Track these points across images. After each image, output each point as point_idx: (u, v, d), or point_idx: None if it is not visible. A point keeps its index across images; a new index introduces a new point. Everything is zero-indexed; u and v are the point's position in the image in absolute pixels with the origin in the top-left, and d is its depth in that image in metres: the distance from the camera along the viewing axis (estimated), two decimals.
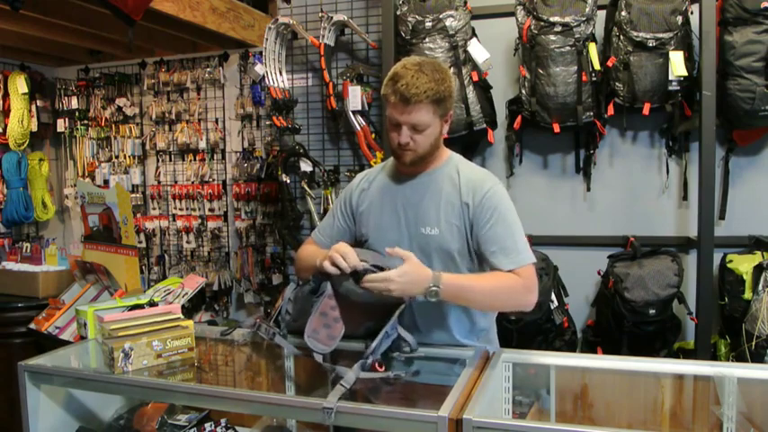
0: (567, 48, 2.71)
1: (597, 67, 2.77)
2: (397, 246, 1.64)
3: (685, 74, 2.65)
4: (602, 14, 2.84)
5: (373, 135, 3.22)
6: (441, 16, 2.82)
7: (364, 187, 1.87)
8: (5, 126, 3.79)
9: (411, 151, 1.68)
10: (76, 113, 3.99)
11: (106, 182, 3.90)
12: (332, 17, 3.18)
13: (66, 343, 2.47)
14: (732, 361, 2.60)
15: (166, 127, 3.78)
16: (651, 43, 2.66)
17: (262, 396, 1.54)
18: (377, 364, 1.59)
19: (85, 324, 2.02)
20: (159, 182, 3.83)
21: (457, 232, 1.70)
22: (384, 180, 1.83)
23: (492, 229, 1.67)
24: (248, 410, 1.54)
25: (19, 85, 3.77)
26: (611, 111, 2.84)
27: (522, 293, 1.66)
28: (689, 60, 2.71)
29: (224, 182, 3.69)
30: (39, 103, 3.93)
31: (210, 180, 3.70)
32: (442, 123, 1.70)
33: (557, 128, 2.81)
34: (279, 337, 1.72)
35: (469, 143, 3.08)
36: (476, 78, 2.88)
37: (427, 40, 2.84)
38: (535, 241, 2.82)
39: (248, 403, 1.50)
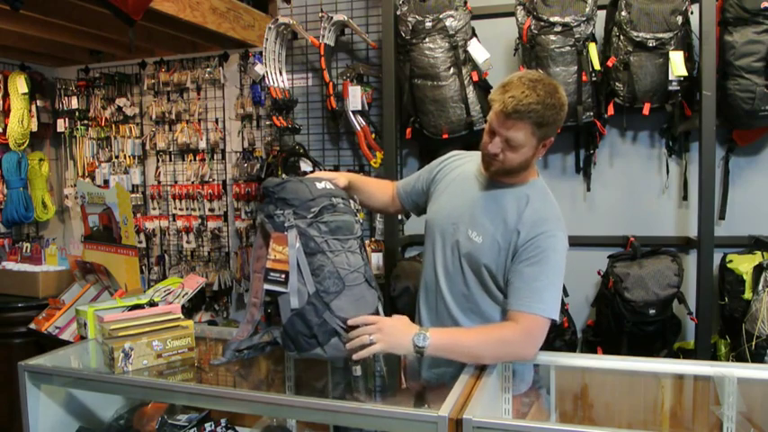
0: (567, 48, 2.70)
1: (597, 67, 2.77)
2: (437, 237, 1.77)
3: (685, 74, 2.65)
4: (602, 14, 2.83)
5: (373, 135, 3.21)
6: (441, 16, 2.82)
7: (451, 167, 1.89)
8: (5, 126, 3.79)
9: (498, 162, 1.66)
10: (76, 113, 3.99)
11: (106, 182, 3.90)
12: (332, 17, 3.18)
13: (66, 343, 2.47)
14: (732, 361, 2.60)
15: (166, 127, 3.78)
16: (651, 43, 2.66)
17: (262, 396, 1.54)
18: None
19: (85, 324, 2.02)
20: (159, 182, 3.83)
21: (497, 250, 1.66)
22: (469, 171, 1.83)
23: (528, 267, 1.61)
24: (248, 410, 1.55)
25: (19, 85, 3.77)
26: (611, 111, 2.83)
27: (518, 346, 1.57)
28: (689, 60, 2.70)
29: (224, 182, 3.69)
30: (39, 103, 3.93)
31: (210, 180, 3.70)
32: (539, 147, 1.65)
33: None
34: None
35: (470, 143, 3.07)
36: (476, 78, 2.87)
37: (427, 40, 2.83)
38: None
39: (248, 403, 1.50)
